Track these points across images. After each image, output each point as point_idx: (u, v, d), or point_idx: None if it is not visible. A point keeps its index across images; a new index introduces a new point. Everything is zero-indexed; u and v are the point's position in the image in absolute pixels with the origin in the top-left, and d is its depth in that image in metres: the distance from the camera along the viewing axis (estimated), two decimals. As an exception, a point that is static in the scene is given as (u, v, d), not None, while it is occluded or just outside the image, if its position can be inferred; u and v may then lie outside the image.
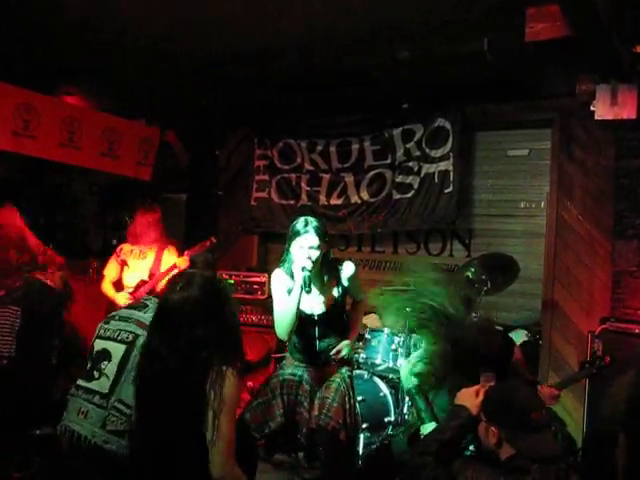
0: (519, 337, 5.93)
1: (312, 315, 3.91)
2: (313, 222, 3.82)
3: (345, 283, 3.94)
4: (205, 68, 6.04)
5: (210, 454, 2.52)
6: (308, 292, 3.68)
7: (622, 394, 3.45)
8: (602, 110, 4.78)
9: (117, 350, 3.32)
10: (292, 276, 3.83)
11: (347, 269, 3.96)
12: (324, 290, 3.92)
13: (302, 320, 3.87)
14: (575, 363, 5.84)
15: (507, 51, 5.00)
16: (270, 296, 6.74)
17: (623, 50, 4.38)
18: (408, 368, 4.48)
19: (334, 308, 3.91)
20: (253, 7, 4.70)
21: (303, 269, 3.67)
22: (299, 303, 3.72)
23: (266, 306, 6.83)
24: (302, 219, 3.85)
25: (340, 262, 3.99)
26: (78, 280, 6.08)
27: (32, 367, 4.06)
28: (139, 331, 3.31)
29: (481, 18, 4.66)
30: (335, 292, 3.93)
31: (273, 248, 7.63)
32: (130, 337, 3.33)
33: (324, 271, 3.90)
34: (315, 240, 3.75)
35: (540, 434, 2.63)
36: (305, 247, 3.74)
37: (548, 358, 6.06)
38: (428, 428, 4.16)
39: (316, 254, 3.75)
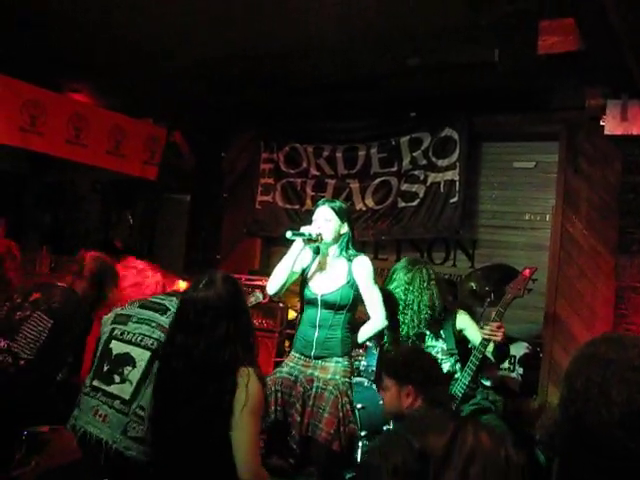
0: (520, 349, 5.91)
1: (315, 297, 3.90)
2: (335, 201, 4.05)
3: (355, 277, 3.89)
4: (213, 70, 6.05)
5: (236, 455, 2.51)
6: (305, 240, 3.81)
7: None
8: (612, 125, 4.78)
9: (142, 356, 3.24)
10: (313, 250, 4.01)
11: (359, 262, 3.92)
12: (331, 272, 3.94)
13: (306, 301, 3.97)
14: (575, 377, 5.82)
15: (518, 62, 5.00)
16: (271, 300, 6.80)
17: (635, 65, 4.38)
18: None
19: (338, 295, 3.88)
20: (262, 10, 4.70)
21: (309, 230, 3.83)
22: (295, 260, 3.86)
23: (267, 310, 6.81)
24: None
25: (357, 254, 3.98)
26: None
27: (40, 376, 4.02)
28: (164, 339, 3.28)
29: (494, 29, 4.66)
30: (342, 279, 3.90)
31: (276, 252, 7.58)
32: (156, 344, 3.26)
33: (337, 253, 3.94)
34: (328, 212, 3.87)
35: (444, 386, 2.98)
36: (319, 219, 3.88)
37: (548, 371, 6.04)
38: None
39: (327, 227, 3.84)
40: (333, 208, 3.91)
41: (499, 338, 3.94)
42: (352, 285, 3.89)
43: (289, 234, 3.77)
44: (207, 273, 2.82)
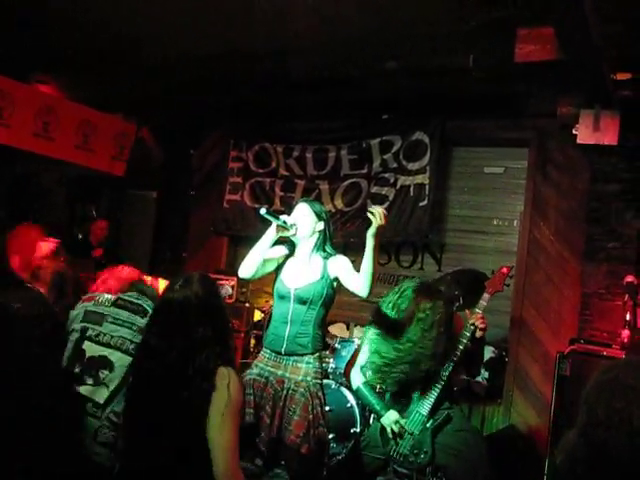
0: (486, 353, 5.95)
1: (288, 291, 3.90)
2: (312, 201, 4.15)
3: (333, 271, 3.89)
4: (185, 68, 5.99)
5: (215, 457, 2.46)
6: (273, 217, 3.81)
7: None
8: (584, 135, 4.84)
9: (121, 361, 3.16)
10: (288, 248, 4.04)
11: (336, 258, 3.93)
12: (306, 267, 3.94)
13: (279, 296, 3.95)
14: (540, 381, 5.91)
15: (493, 69, 5.04)
16: (237, 299, 6.75)
17: (608, 76, 4.45)
18: (359, 365, 4.42)
19: (312, 290, 3.86)
20: (236, 10, 4.66)
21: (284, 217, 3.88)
22: (268, 244, 3.85)
23: (233, 310, 6.76)
24: None
25: (334, 254, 3.98)
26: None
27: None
28: None
29: (470, 35, 4.68)
30: (317, 274, 3.90)
31: (243, 251, 7.49)
32: None
33: (312, 251, 3.96)
34: (305, 208, 3.94)
35: None
36: (296, 214, 3.94)
37: (513, 375, 6.10)
38: (389, 417, 4.10)
39: (303, 221, 3.89)
40: (311, 205, 3.98)
41: (484, 326, 4.07)
42: (326, 280, 3.89)
43: (263, 211, 3.78)
44: (183, 274, 2.79)
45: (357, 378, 4.36)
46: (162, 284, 4.00)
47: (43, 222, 8.03)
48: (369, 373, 4.19)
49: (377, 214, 3.56)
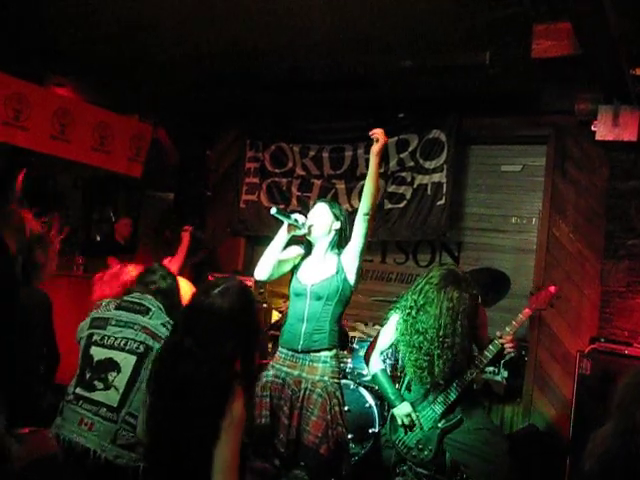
0: (505, 352, 5.92)
1: (304, 287, 3.89)
2: (331, 202, 4.10)
3: (345, 263, 3.89)
4: (200, 68, 5.99)
5: (215, 472, 2.42)
6: (284, 217, 3.80)
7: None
8: (603, 131, 4.78)
9: (127, 361, 3.16)
10: (305, 248, 4.03)
11: (345, 249, 3.95)
12: (321, 265, 3.93)
13: (295, 294, 3.94)
14: (560, 380, 5.86)
15: (509, 66, 5.00)
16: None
17: (626, 72, 4.39)
18: (378, 350, 4.38)
19: (327, 285, 3.85)
20: (250, 8, 4.65)
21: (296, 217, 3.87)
22: (282, 244, 3.86)
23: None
24: None
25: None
26: (62, 276, 5.94)
27: (22, 375, 3.90)
28: (150, 341, 3.16)
29: (486, 32, 4.65)
30: (332, 269, 3.89)
31: (260, 251, 7.47)
32: (142, 348, 3.16)
33: (327, 249, 3.95)
34: (322, 208, 3.94)
35: None
36: (312, 214, 3.94)
37: (533, 374, 6.06)
38: (402, 409, 4.07)
39: (318, 221, 3.88)
40: (329, 206, 3.97)
41: (512, 350, 4.03)
42: (341, 275, 3.87)
43: (273, 210, 3.76)
44: (221, 280, 2.71)
45: (376, 363, 4.32)
46: (182, 283, 3.97)
47: (60, 224, 8.13)
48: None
49: (379, 135, 3.92)
